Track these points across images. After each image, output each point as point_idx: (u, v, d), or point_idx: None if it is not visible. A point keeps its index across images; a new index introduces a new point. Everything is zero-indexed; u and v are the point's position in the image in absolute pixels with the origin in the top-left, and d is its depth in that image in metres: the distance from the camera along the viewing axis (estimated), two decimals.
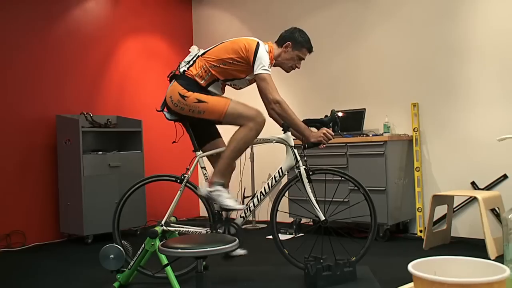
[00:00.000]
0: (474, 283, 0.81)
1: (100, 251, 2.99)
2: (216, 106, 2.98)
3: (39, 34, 5.09)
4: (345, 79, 5.20)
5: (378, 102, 4.93)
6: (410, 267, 0.89)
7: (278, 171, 3.18)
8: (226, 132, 3.32)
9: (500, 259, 3.46)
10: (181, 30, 6.55)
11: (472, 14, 4.34)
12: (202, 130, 3.26)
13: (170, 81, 3.16)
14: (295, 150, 3.16)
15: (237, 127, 3.03)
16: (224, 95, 3.28)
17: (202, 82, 3.09)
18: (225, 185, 3.06)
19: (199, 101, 2.98)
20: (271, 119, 3.35)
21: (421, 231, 4.49)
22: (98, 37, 5.60)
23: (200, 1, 6.62)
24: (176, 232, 3.14)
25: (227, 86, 3.28)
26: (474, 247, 4.00)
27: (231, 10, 6.28)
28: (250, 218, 5.51)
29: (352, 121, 4.84)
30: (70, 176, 4.84)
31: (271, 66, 3.10)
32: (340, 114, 4.85)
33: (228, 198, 2.99)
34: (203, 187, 3.05)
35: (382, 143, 4.35)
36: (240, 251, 3.06)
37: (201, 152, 3.22)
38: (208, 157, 3.27)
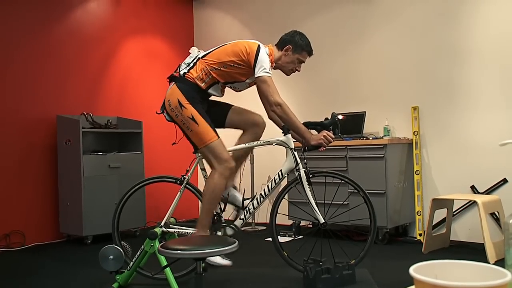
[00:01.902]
0: (476, 287, 0.81)
1: (99, 252, 2.99)
2: (202, 134, 3.02)
3: (40, 35, 5.10)
4: (346, 82, 5.20)
5: (378, 105, 4.93)
6: (412, 270, 0.89)
7: (278, 173, 3.18)
8: (227, 135, 3.33)
9: (499, 263, 3.46)
10: (182, 31, 6.55)
11: (473, 17, 4.35)
12: (213, 118, 3.24)
13: (170, 82, 3.16)
14: (295, 153, 3.16)
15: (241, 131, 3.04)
16: (224, 97, 3.28)
17: (202, 84, 3.09)
18: (236, 187, 3.15)
19: (193, 119, 3.01)
20: (271, 121, 3.36)
21: (420, 235, 4.49)
22: (99, 37, 5.61)
23: (201, 3, 6.63)
24: (176, 234, 3.14)
25: (226, 88, 3.29)
26: (473, 251, 4.00)
27: (232, 12, 6.29)
28: (250, 220, 5.50)
29: (352, 124, 4.84)
30: (70, 177, 4.84)
31: (271, 69, 3.10)
32: (340, 117, 4.86)
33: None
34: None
35: (382, 146, 4.35)
36: (225, 261, 3.05)
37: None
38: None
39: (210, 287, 3.16)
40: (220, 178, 3.02)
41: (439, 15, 4.54)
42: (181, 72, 3.12)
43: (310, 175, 3.15)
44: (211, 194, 3.03)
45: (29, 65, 5.00)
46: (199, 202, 3.17)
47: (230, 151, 3.13)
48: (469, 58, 4.38)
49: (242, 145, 3.22)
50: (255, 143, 3.21)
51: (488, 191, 4.24)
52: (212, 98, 3.27)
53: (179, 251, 2.15)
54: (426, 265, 0.93)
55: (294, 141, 3.22)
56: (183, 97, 3.02)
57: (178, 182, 3.21)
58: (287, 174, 3.23)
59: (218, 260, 3.00)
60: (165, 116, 3.17)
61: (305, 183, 3.11)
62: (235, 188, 3.29)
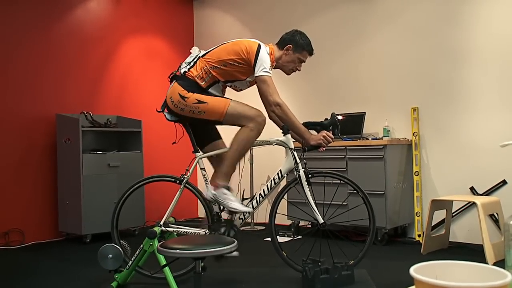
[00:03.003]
0: None
1: (98, 251, 2.99)
2: (216, 106, 2.98)
3: (40, 33, 5.10)
4: (346, 82, 5.20)
5: (378, 106, 4.93)
6: (412, 271, 0.89)
7: (278, 173, 3.18)
8: (226, 133, 3.33)
9: (498, 264, 3.46)
10: (182, 31, 6.55)
11: (473, 19, 4.35)
12: (202, 131, 3.26)
13: (171, 82, 3.16)
14: (295, 153, 3.16)
15: (238, 128, 3.03)
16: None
17: (202, 83, 3.09)
18: (230, 188, 3.07)
19: (199, 101, 2.98)
20: (271, 121, 3.36)
21: (419, 236, 4.49)
22: (99, 36, 5.60)
23: (202, 2, 6.63)
24: (175, 233, 3.14)
25: (227, 87, 3.29)
26: (472, 252, 4.00)
27: (232, 11, 6.29)
28: (249, 220, 5.50)
29: (352, 124, 4.84)
30: (70, 175, 4.83)
31: (271, 68, 3.10)
32: (340, 117, 4.86)
33: (234, 201, 3.00)
34: (208, 190, 3.05)
35: (381, 147, 4.35)
36: (233, 253, 3.05)
37: (201, 153, 3.22)
38: (208, 158, 3.27)
39: (209, 286, 3.16)
40: (254, 131, 2.97)
41: (439, 16, 4.54)
42: (182, 71, 3.12)
43: (310, 175, 3.15)
44: (242, 144, 2.99)
45: (29, 64, 5.00)
46: (199, 202, 3.17)
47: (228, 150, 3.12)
48: (469, 59, 4.38)
49: None
50: (254, 142, 3.21)
51: (487, 193, 4.24)
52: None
53: (178, 250, 2.15)
54: (426, 266, 0.93)
55: (293, 141, 3.22)
56: (183, 90, 3.02)
57: (178, 181, 3.21)
58: (287, 174, 3.23)
59: (238, 206, 2.99)
60: (165, 115, 3.16)
61: (305, 183, 3.11)
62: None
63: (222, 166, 3.04)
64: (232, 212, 3.12)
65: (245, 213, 3.14)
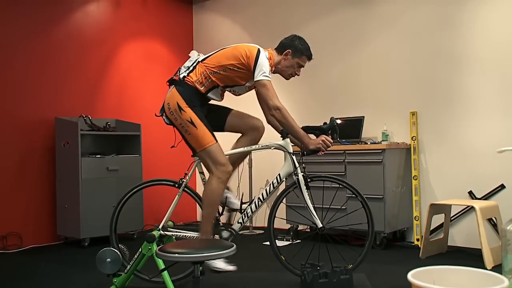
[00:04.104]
0: None
1: (97, 255, 2.98)
2: (200, 137, 3.02)
3: (40, 37, 5.10)
4: (345, 86, 5.21)
5: (377, 110, 4.94)
6: (410, 276, 0.89)
7: (276, 177, 3.18)
8: (226, 138, 3.33)
9: (496, 269, 3.46)
10: (181, 34, 6.56)
11: (472, 24, 4.37)
12: (212, 121, 3.24)
13: (169, 86, 3.17)
14: (294, 157, 3.17)
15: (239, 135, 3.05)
16: (223, 101, 3.29)
17: (202, 88, 3.10)
18: (229, 188, 3.15)
19: (191, 122, 3.01)
20: (270, 126, 3.37)
21: (418, 240, 4.49)
22: (98, 40, 5.61)
23: (201, 6, 6.64)
24: (174, 237, 3.14)
25: (226, 92, 3.29)
26: (470, 257, 4.00)
27: (232, 16, 6.30)
28: (248, 224, 5.50)
29: (350, 128, 4.85)
30: (68, 179, 4.83)
31: (271, 73, 3.10)
32: (339, 121, 4.86)
33: (218, 261, 3.02)
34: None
35: (380, 151, 4.36)
36: (230, 267, 3.06)
37: None
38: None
39: None
40: (218, 182, 3.02)
41: (438, 20, 4.56)
42: (181, 76, 3.12)
43: (309, 180, 3.15)
44: (210, 199, 3.03)
45: (29, 67, 5.00)
46: (197, 206, 3.17)
47: (228, 154, 3.14)
48: (467, 64, 4.39)
49: (241, 149, 3.23)
50: (253, 147, 3.22)
51: (486, 197, 4.25)
52: (212, 102, 3.27)
53: (176, 254, 2.16)
54: (424, 271, 0.94)
55: (292, 145, 3.22)
56: (182, 101, 3.03)
57: (177, 185, 3.21)
58: (286, 178, 3.23)
59: (221, 265, 3.01)
60: (164, 119, 3.17)
61: (303, 187, 3.11)
62: (228, 189, 3.28)
63: (201, 224, 3.08)
64: (232, 210, 3.22)
65: (241, 218, 3.15)
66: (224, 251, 2.19)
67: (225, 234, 3.12)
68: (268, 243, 4.12)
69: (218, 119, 3.25)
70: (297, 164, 3.15)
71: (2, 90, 4.81)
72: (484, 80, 4.30)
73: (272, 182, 3.18)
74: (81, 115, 5.18)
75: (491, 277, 0.91)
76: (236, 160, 3.30)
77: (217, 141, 3.05)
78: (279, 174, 3.19)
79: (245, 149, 3.22)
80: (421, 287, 0.83)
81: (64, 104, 5.25)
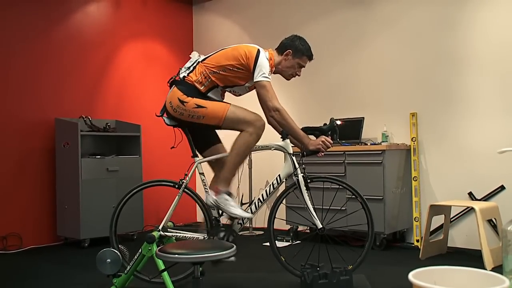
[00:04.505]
0: None
1: (97, 255, 2.98)
2: (215, 111, 2.99)
3: (40, 37, 5.10)
4: (345, 87, 5.22)
5: (377, 111, 4.94)
6: (411, 276, 0.89)
7: (276, 178, 3.18)
8: (226, 137, 3.33)
9: (496, 270, 3.46)
10: (181, 35, 6.57)
11: (472, 24, 4.37)
12: (201, 136, 3.26)
13: (170, 87, 3.17)
14: (294, 158, 3.17)
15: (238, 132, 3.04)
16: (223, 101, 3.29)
17: (202, 88, 3.10)
18: (231, 194, 3.07)
19: (198, 106, 2.99)
20: (270, 126, 3.36)
21: (417, 241, 4.49)
22: (98, 41, 5.61)
23: (201, 7, 6.65)
24: (174, 238, 3.14)
25: (226, 92, 3.29)
26: (470, 258, 4.00)
27: (232, 16, 6.31)
28: (247, 224, 5.50)
29: (350, 129, 4.85)
30: (68, 180, 4.83)
31: (271, 74, 3.11)
32: (339, 122, 4.86)
33: (236, 207, 3.01)
34: (209, 196, 3.05)
35: (380, 152, 4.36)
36: (246, 214, 3.03)
37: (200, 158, 3.23)
38: (208, 162, 3.28)
39: None
40: (253, 135, 2.98)
41: (438, 21, 4.56)
42: (181, 76, 3.13)
43: (308, 180, 3.15)
44: (240, 149, 2.99)
45: (29, 68, 5.00)
46: (197, 206, 3.17)
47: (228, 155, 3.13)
48: (467, 64, 4.40)
49: None
50: (253, 147, 3.21)
51: (486, 198, 4.25)
52: None
53: (176, 255, 2.15)
54: (425, 271, 0.94)
55: (292, 146, 3.22)
56: (183, 95, 3.03)
57: (177, 186, 3.21)
58: (285, 179, 3.23)
59: (239, 212, 2.99)
60: (164, 120, 3.17)
61: (303, 188, 3.11)
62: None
63: (222, 171, 3.05)
64: (233, 218, 3.13)
65: (244, 219, 3.15)
66: (224, 252, 2.19)
67: (225, 235, 3.11)
68: (268, 243, 4.13)
69: (204, 139, 3.27)
70: (297, 165, 3.15)
71: (2, 91, 4.81)
72: (483, 81, 4.30)
73: (272, 183, 3.18)
74: (81, 116, 5.18)
75: (492, 278, 0.91)
76: None
77: (230, 104, 3.02)
78: (279, 175, 3.19)
79: None
80: (423, 287, 0.84)
81: (64, 105, 5.25)
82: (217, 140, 3.33)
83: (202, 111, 2.99)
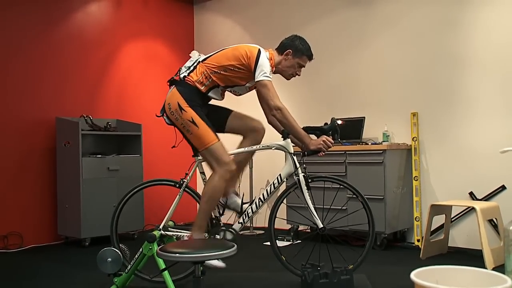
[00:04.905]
0: None
1: (97, 254, 2.98)
2: (203, 136, 3.02)
3: (40, 37, 5.10)
4: (345, 87, 5.21)
5: (378, 110, 4.94)
6: (413, 275, 0.89)
7: (277, 177, 3.18)
8: (227, 140, 3.33)
9: (497, 270, 3.45)
10: (182, 35, 6.57)
11: (473, 24, 4.37)
12: (212, 119, 3.24)
13: (170, 86, 3.17)
14: (295, 157, 3.16)
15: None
16: (224, 102, 3.29)
17: (202, 88, 3.10)
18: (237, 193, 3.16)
19: (193, 122, 3.01)
20: (270, 126, 3.36)
21: (418, 241, 4.49)
22: (99, 40, 5.61)
23: (202, 7, 6.65)
24: (174, 237, 3.14)
25: (226, 92, 3.29)
26: (471, 257, 4.00)
27: (232, 16, 6.31)
28: (248, 224, 5.50)
29: (351, 129, 4.84)
30: (69, 179, 4.83)
31: (271, 73, 3.10)
32: (339, 122, 4.86)
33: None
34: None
35: (381, 151, 4.36)
36: (219, 263, 3.04)
37: (201, 158, 3.22)
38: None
39: None
40: (220, 180, 3.02)
41: (439, 21, 4.56)
42: (181, 76, 3.12)
43: (309, 180, 3.15)
44: (210, 195, 3.03)
45: (29, 67, 5.00)
46: (198, 206, 3.17)
47: (230, 155, 3.13)
48: (468, 64, 4.39)
49: (241, 149, 3.23)
50: (254, 147, 3.21)
51: (487, 198, 4.24)
52: (212, 102, 3.27)
53: (177, 254, 2.15)
54: (426, 270, 0.94)
55: (293, 146, 3.22)
56: (183, 100, 3.03)
57: (177, 185, 3.21)
58: (286, 179, 3.23)
59: (213, 262, 2.99)
60: (164, 119, 3.17)
61: (304, 188, 3.11)
62: (236, 194, 3.28)
63: (195, 218, 3.08)
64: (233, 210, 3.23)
65: (243, 218, 3.15)
66: (224, 251, 2.19)
67: (226, 234, 3.12)
68: (268, 243, 4.12)
69: (219, 120, 3.25)
70: (298, 165, 3.15)
71: (3, 90, 4.81)
72: (484, 81, 4.30)
73: (273, 183, 3.18)
74: (82, 115, 5.18)
75: (494, 277, 0.91)
76: (239, 162, 3.29)
77: (219, 139, 3.04)
78: (280, 175, 3.19)
79: (246, 149, 3.22)
80: (425, 286, 0.83)
81: (65, 104, 5.25)
82: (228, 111, 3.32)
83: (193, 128, 3.02)
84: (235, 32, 6.25)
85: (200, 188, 6.24)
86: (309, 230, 5.21)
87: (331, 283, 2.96)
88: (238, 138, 3.34)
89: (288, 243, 4.76)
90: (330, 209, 4.42)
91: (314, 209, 3.09)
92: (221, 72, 3.09)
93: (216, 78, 3.10)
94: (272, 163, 5.63)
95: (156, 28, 6.22)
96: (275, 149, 3.20)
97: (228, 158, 3.04)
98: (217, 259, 3.00)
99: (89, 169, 4.78)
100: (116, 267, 2.97)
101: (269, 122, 3.33)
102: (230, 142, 3.31)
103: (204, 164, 3.22)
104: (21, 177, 4.88)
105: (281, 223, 5.01)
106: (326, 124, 3.22)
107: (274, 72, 3.23)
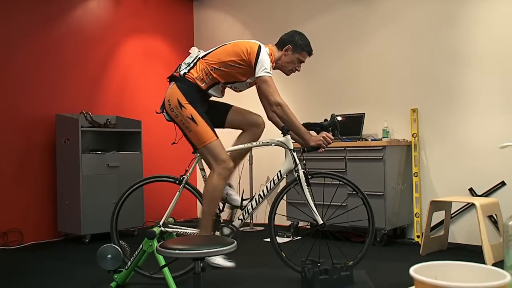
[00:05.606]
0: None
1: (97, 251, 2.99)
2: (202, 134, 3.02)
3: (40, 33, 5.10)
4: (345, 83, 5.21)
5: (378, 107, 4.94)
6: (412, 271, 0.89)
7: (277, 174, 3.18)
8: (227, 135, 3.33)
9: (496, 265, 3.46)
10: (182, 31, 6.56)
11: (473, 21, 4.36)
12: (212, 115, 3.24)
13: (170, 82, 3.16)
14: (295, 154, 3.16)
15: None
16: (224, 98, 3.29)
17: (203, 85, 3.10)
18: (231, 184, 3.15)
19: (192, 119, 3.01)
20: (270, 122, 3.36)
21: (418, 237, 4.49)
22: (99, 37, 5.60)
23: (202, 3, 6.63)
24: (174, 233, 3.14)
25: (227, 88, 3.29)
26: (471, 253, 4.01)
27: (232, 12, 6.29)
28: (248, 220, 5.50)
29: (351, 125, 4.84)
30: (69, 175, 4.83)
31: (271, 69, 3.10)
32: (339, 118, 4.86)
33: (217, 258, 3.02)
34: None
35: (381, 148, 4.36)
36: (228, 263, 3.06)
37: None
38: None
39: (208, 287, 3.16)
40: (219, 179, 3.02)
41: (439, 18, 4.55)
42: (181, 72, 3.12)
43: (309, 176, 3.15)
44: (211, 195, 3.03)
45: (29, 64, 5.00)
46: (198, 202, 3.18)
47: (229, 151, 3.14)
48: (468, 61, 4.39)
49: (241, 146, 3.23)
50: (254, 143, 3.21)
51: (486, 194, 4.25)
52: (212, 98, 3.27)
53: (177, 251, 2.15)
54: (426, 266, 0.94)
55: (293, 142, 3.22)
56: (182, 97, 3.03)
57: (177, 182, 3.21)
58: (286, 175, 3.23)
59: (220, 261, 3.01)
60: (164, 116, 3.17)
61: (304, 184, 3.11)
62: (230, 186, 3.28)
63: (200, 220, 3.08)
64: (234, 207, 3.21)
65: (244, 215, 3.16)
66: (225, 248, 2.19)
67: (226, 230, 3.12)
68: (268, 239, 4.13)
69: (219, 116, 3.25)
70: (297, 161, 3.15)
71: (2, 87, 4.80)
72: (484, 77, 4.29)
73: (273, 179, 3.18)
74: (82, 111, 5.18)
75: (493, 272, 0.91)
76: (237, 157, 3.30)
77: (218, 138, 3.04)
78: (279, 171, 3.19)
79: (246, 145, 3.22)
80: (424, 282, 0.83)
81: (65, 101, 5.25)
82: (228, 106, 3.31)
83: (192, 125, 3.01)
84: (234, 29, 6.24)
85: (200, 184, 6.26)
86: (309, 227, 5.22)
87: (331, 279, 2.97)
88: (238, 134, 3.34)
89: (288, 239, 4.76)
90: (330, 205, 4.42)
91: (314, 205, 3.10)
92: (222, 68, 3.08)
93: (216, 75, 3.09)
94: (272, 159, 5.63)
95: (156, 25, 6.21)
96: (275, 145, 3.20)
97: (226, 156, 3.04)
98: (224, 258, 3.02)
99: (89, 166, 4.79)
100: (116, 263, 2.98)
101: (269, 118, 3.33)
102: (230, 139, 3.31)
103: (203, 161, 3.22)
104: (21, 174, 4.89)
105: (281, 220, 5.01)
106: (326, 120, 3.21)
107: (274, 68, 3.23)
